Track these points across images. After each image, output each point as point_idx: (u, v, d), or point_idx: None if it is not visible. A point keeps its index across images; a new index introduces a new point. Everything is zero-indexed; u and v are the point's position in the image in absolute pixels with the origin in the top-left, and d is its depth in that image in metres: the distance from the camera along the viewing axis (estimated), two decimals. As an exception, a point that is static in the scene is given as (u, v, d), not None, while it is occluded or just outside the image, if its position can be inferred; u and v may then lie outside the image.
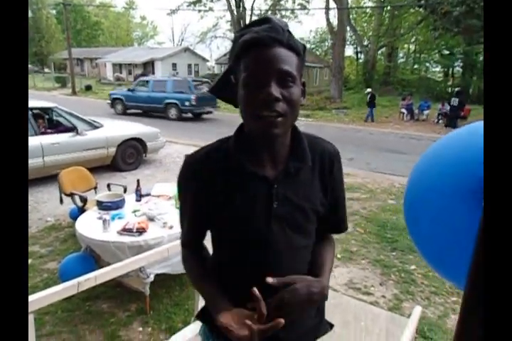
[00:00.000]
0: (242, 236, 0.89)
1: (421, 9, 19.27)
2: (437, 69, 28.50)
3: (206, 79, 16.29)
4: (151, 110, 13.62)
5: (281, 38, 0.78)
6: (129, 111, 13.97)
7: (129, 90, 14.02)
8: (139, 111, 13.92)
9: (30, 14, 33.28)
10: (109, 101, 14.42)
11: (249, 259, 0.91)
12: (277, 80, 0.77)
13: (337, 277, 3.06)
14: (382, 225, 4.12)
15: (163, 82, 13.56)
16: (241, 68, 0.80)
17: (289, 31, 0.81)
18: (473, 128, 0.99)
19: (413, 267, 3.22)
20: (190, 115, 13.28)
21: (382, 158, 8.03)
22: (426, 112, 15.29)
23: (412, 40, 27.89)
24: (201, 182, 0.89)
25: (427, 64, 28.77)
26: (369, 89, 15.41)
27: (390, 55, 24.61)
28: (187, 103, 12.68)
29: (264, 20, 0.81)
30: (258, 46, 0.77)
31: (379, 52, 25.28)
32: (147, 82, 14.04)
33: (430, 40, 23.11)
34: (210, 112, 13.71)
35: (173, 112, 13.06)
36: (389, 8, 23.08)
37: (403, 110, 15.47)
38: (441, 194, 0.98)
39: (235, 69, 0.83)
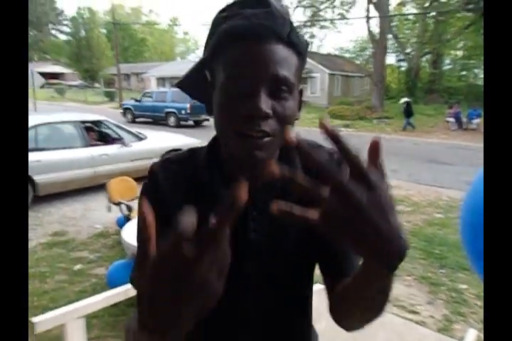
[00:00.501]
0: None
1: (469, 13, 18.54)
2: (487, 75, 27.08)
3: None
4: (155, 118, 15.09)
5: (281, 30, 0.56)
6: (137, 120, 15.51)
7: (136, 101, 15.79)
8: (149, 119, 15.37)
9: (83, 34, 35.76)
10: (122, 111, 16.38)
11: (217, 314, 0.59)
12: (269, 89, 0.55)
13: (381, 293, 2.94)
14: (429, 240, 3.93)
15: (164, 93, 15.09)
16: (220, 66, 0.58)
17: (291, 22, 0.59)
18: None
19: (464, 286, 3.03)
20: (191, 122, 14.54)
21: (428, 170, 7.70)
22: (475, 121, 14.52)
23: (460, 45, 26.79)
24: (163, 200, 0.67)
25: (476, 70, 27.47)
26: (405, 99, 15.04)
27: (436, 62, 23.76)
28: (183, 111, 13.87)
29: (258, 0, 0.57)
30: (248, 38, 0.55)
31: (423, 59, 24.51)
32: (151, 93, 15.89)
33: (479, 45, 22.09)
34: (207, 120, 14.14)
35: (172, 120, 14.45)
36: (434, 13, 22.41)
37: (450, 119, 14.82)
38: None
39: (211, 64, 0.61)
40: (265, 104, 0.55)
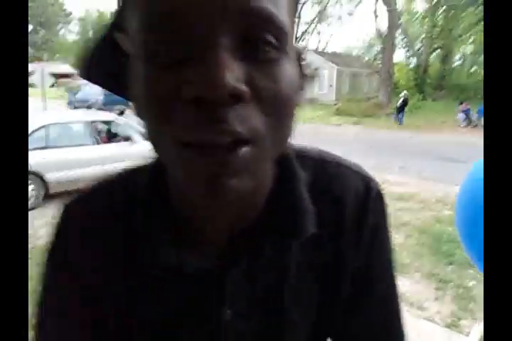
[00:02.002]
0: None
1: (480, 8, 18.27)
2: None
3: None
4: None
5: None
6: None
7: (74, 94, 16.42)
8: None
9: (91, 34, 36.01)
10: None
11: None
12: (239, 42, 0.27)
13: (388, 290, 2.96)
14: (438, 237, 3.92)
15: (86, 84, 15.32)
16: (138, 14, 0.28)
17: None
18: None
19: (473, 283, 3.02)
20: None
21: (437, 167, 7.65)
22: (485, 117, 14.38)
23: (470, 40, 26.45)
24: (82, 271, 0.42)
25: (486, 66, 27.07)
26: (404, 92, 15.06)
27: (445, 58, 23.51)
28: (98, 102, 13.93)
29: None
30: None
31: (432, 55, 24.26)
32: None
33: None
34: (122, 112, 13.39)
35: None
36: (444, 8, 22.14)
37: (460, 116, 14.67)
38: None
39: (125, 20, 0.31)
40: (231, 70, 0.26)
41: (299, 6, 0.36)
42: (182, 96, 0.27)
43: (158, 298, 0.41)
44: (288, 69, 0.30)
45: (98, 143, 5.56)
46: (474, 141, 11.39)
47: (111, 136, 6.21)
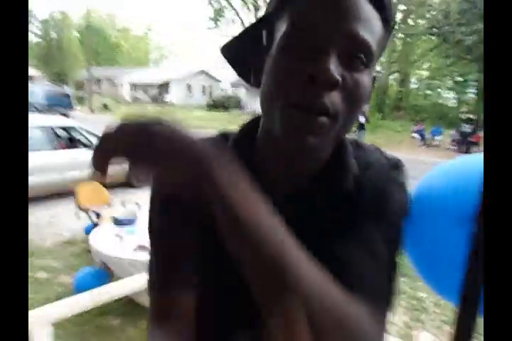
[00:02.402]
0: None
1: (433, 37, 19.67)
2: (450, 95, 28.66)
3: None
4: None
5: None
6: None
7: None
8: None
9: (54, 36, 34.86)
10: None
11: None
12: (342, 53, 0.42)
13: (346, 301, 3.04)
14: (393, 250, 4.10)
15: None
16: (284, 20, 0.44)
17: None
18: (473, 159, 1.04)
19: (424, 294, 3.18)
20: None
21: (394, 183, 8.02)
22: (438, 138, 15.31)
23: (425, 66, 28.25)
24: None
25: (440, 90, 28.98)
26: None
27: (403, 81, 24.92)
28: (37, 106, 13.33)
29: None
30: None
31: (391, 77, 25.62)
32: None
33: (443, 66, 23.40)
34: (65, 115, 13.32)
35: None
36: (401, 35, 23.59)
37: (415, 135, 15.52)
38: (438, 217, 1.02)
39: (272, 22, 0.46)
40: (335, 68, 0.40)
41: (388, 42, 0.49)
42: (301, 76, 0.41)
43: None
44: (366, 80, 0.44)
45: (56, 149, 5.34)
46: (428, 159, 12.08)
47: (70, 143, 6.01)
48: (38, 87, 13.72)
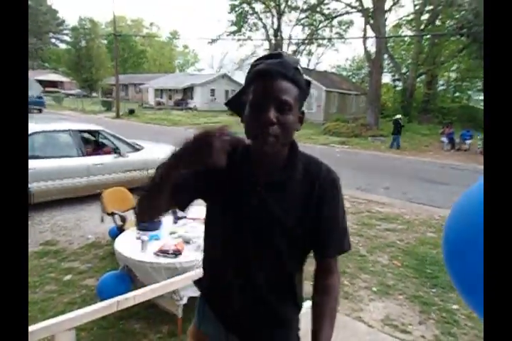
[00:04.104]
0: (217, 221, 1.05)
1: (462, 38, 19.08)
2: (481, 97, 27.70)
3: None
4: None
5: (287, 73, 0.90)
6: None
7: None
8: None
9: (83, 43, 36.04)
10: None
11: (217, 243, 1.06)
12: (276, 107, 0.89)
13: (372, 311, 2.93)
14: (421, 259, 3.95)
15: None
16: (251, 91, 0.92)
17: (296, 68, 0.92)
18: None
19: (456, 306, 3.03)
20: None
21: (421, 188, 7.77)
22: (468, 142, 14.79)
23: (453, 68, 27.45)
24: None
25: (470, 92, 28.06)
26: (398, 116, 15.10)
27: (430, 83, 24.26)
28: None
29: (276, 55, 0.94)
30: (266, 76, 0.90)
31: (418, 79, 25.03)
32: None
33: (473, 68, 22.66)
34: (40, 111, 23.04)
35: None
36: (428, 36, 23.02)
37: (443, 139, 15.07)
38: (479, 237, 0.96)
39: (247, 91, 0.94)
40: (272, 115, 0.88)
41: (305, 101, 0.99)
42: (258, 120, 0.90)
43: (234, 188, 1.01)
44: (291, 117, 0.92)
45: (83, 155, 5.47)
46: (457, 163, 11.68)
47: (97, 147, 6.14)
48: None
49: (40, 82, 39.15)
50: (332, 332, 1.01)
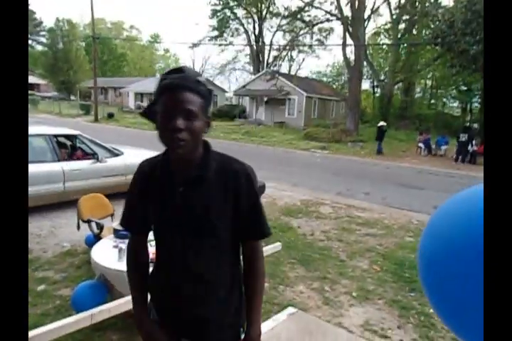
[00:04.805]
0: (156, 224, 1.19)
1: (437, 47, 19.70)
2: (455, 104, 28.61)
3: None
4: None
5: (189, 85, 1.04)
6: None
7: None
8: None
9: (60, 45, 35.27)
10: None
11: (162, 253, 1.21)
12: (183, 115, 1.03)
13: (352, 317, 2.95)
14: (400, 263, 4.01)
15: None
16: (160, 104, 1.06)
17: (198, 80, 1.07)
18: (474, 193, 1.02)
19: (433, 310, 3.08)
20: None
21: (400, 193, 7.93)
22: (444, 147, 15.21)
23: (429, 75, 28.29)
24: (139, 186, 1.21)
25: (444, 99, 28.95)
26: (381, 123, 15.36)
27: (407, 90, 24.92)
28: None
29: (179, 69, 1.08)
30: (171, 90, 1.04)
31: (396, 86, 25.65)
32: None
33: (447, 76, 23.40)
34: None
35: None
36: (405, 45, 23.68)
37: (420, 145, 15.43)
38: (452, 253, 0.98)
39: (157, 103, 1.08)
40: (180, 123, 1.02)
41: (210, 107, 1.15)
42: (168, 127, 1.04)
43: (158, 194, 1.16)
44: (197, 123, 1.06)
45: (59, 160, 5.31)
46: (434, 169, 11.99)
47: (74, 152, 5.99)
48: None
49: (15, 84, 37.86)
50: (261, 306, 1.25)
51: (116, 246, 2.82)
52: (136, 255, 1.29)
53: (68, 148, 6.04)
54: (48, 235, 4.46)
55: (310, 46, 29.00)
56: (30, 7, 61.08)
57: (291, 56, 32.53)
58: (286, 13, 26.01)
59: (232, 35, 32.80)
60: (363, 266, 3.95)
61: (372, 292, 3.38)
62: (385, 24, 25.44)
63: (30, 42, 61.26)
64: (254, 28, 32.16)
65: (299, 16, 25.41)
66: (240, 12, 30.95)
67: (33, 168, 4.98)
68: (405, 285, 3.53)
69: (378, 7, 24.18)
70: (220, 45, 32.51)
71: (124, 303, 1.76)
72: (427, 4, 20.21)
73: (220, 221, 1.12)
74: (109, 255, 2.75)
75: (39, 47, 47.80)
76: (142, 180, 1.19)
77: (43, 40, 44.81)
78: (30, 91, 41.95)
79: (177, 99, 1.02)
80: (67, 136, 6.03)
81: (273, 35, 37.57)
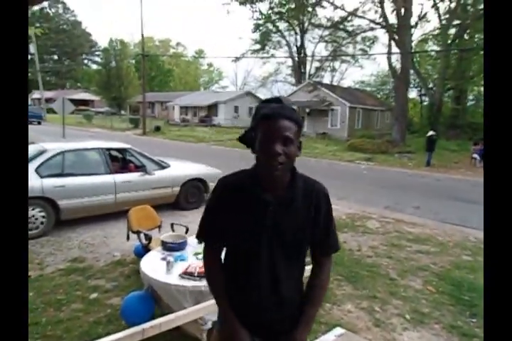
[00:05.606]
0: (240, 245, 1.29)
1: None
2: None
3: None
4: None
5: (287, 114, 1.18)
6: None
7: None
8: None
9: (113, 64, 37.59)
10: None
11: (244, 266, 1.30)
12: (281, 141, 1.17)
13: (407, 342, 2.75)
14: (458, 285, 3.71)
15: None
16: (259, 130, 1.20)
17: (293, 109, 1.22)
18: None
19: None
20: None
21: (453, 208, 7.45)
22: (500, 158, 14.20)
23: (482, 82, 26.74)
24: (224, 201, 1.30)
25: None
26: (431, 132, 14.49)
27: (459, 98, 23.68)
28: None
29: (277, 99, 1.24)
30: (271, 118, 1.18)
31: (446, 94, 24.50)
32: None
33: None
34: (39, 123, 28.80)
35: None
36: (456, 51, 22.65)
37: (475, 155, 14.53)
38: None
39: (255, 129, 1.22)
40: (279, 148, 1.16)
41: (302, 130, 1.29)
42: (269, 152, 1.19)
43: (246, 213, 1.28)
44: (293, 148, 1.21)
45: (111, 172, 5.57)
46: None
47: (125, 165, 6.26)
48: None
49: (73, 101, 40.92)
50: (314, 318, 1.36)
51: (164, 259, 2.87)
52: (215, 262, 1.37)
53: (119, 160, 6.32)
54: (101, 244, 4.65)
55: (353, 56, 28.63)
56: (86, 30, 66.00)
57: (334, 66, 32.33)
58: (329, 24, 25.91)
59: (274, 48, 33.24)
60: (415, 285, 3.71)
61: (427, 315, 3.15)
62: (434, 30, 24.51)
63: (86, 61, 65.98)
64: (295, 39, 32.38)
65: (341, 26, 25.24)
66: (282, 25, 31.32)
67: (88, 180, 5.26)
68: (465, 309, 3.25)
69: (426, 13, 23.46)
70: (262, 58, 33.03)
71: (174, 319, 1.76)
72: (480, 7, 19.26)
73: (306, 241, 1.29)
74: (158, 267, 2.79)
75: (94, 66, 51.26)
76: (228, 196, 1.29)
77: (98, 59, 48.05)
78: (85, 107, 45.01)
79: (276, 127, 1.16)
80: (118, 150, 6.33)
81: (315, 46, 37.56)
